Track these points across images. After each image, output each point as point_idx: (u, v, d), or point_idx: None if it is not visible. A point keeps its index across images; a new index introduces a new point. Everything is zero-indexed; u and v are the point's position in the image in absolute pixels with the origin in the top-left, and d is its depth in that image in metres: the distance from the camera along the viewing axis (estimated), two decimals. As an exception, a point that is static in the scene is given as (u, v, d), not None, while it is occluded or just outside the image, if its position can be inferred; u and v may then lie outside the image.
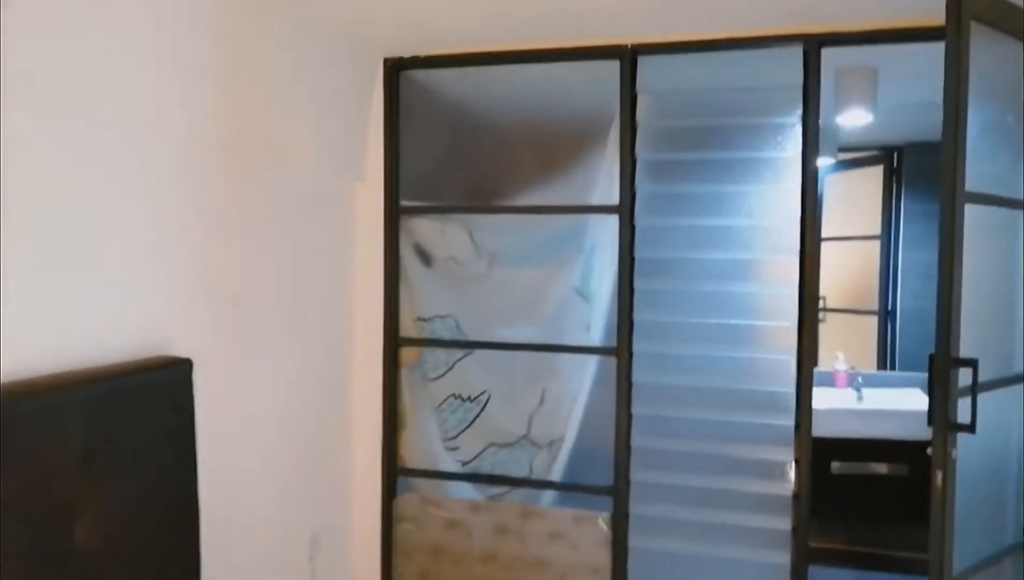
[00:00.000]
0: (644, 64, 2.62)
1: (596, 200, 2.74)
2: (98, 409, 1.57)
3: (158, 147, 1.87)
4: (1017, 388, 2.20)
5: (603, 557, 2.63)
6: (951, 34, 1.90)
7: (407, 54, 2.82)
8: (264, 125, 2.26)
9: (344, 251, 2.79)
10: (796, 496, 2.49)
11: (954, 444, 1.90)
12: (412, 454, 2.88)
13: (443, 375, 2.89)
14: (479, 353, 2.86)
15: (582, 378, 2.77)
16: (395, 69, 2.83)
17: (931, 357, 1.97)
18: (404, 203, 2.85)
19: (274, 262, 2.36)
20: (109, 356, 1.70)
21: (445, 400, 2.89)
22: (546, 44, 2.67)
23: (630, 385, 2.61)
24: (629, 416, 2.61)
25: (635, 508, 2.62)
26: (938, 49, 2.30)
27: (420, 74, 2.88)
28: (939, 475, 1.90)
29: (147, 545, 1.72)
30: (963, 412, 1.96)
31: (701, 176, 2.68)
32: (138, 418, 1.71)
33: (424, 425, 2.90)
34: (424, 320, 2.89)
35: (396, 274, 2.84)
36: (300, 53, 2.40)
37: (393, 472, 2.84)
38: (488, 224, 2.92)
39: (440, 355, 2.88)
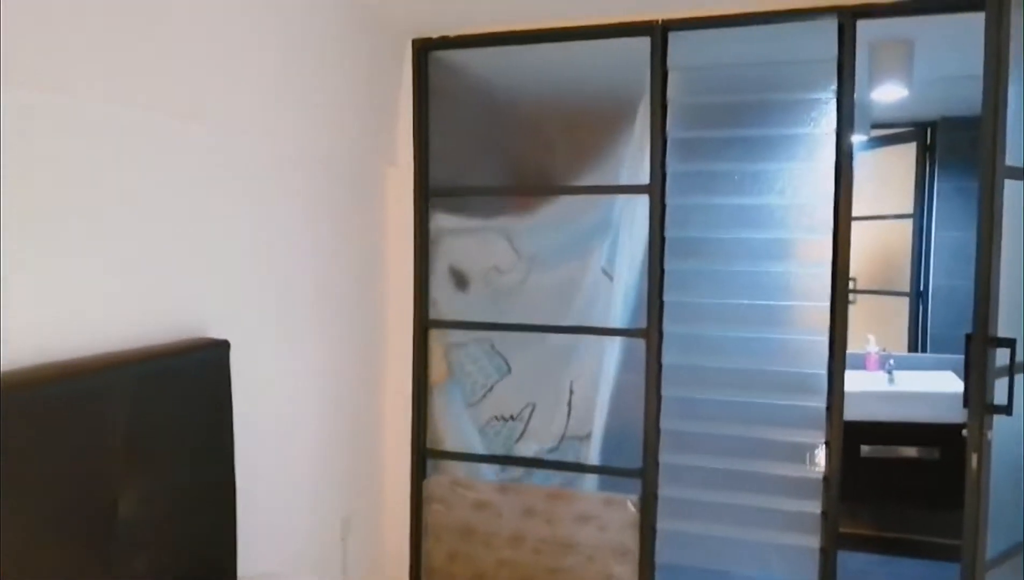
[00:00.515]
0: (675, 40, 2.58)
1: (625, 180, 2.72)
2: (139, 390, 1.59)
3: (198, 132, 1.88)
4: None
5: (631, 539, 2.63)
6: (991, 2, 1.85)
7: (435, 35, 2.80)
8: (299, 110, 2.26)
9: (376, 234, 2.79)
10: (826, 479, 2.47)
11: (990, 426, 1.87)
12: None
13: (483, 398, 2.89)
14: (516, 374, 2.85)
15: (609, 362, 2.76)
16: (424, 50, 2.82)
17: (967, 337, 1.94)
18: (435, 185, 2.84)
19: (309, 246, 2.37)
20: (150, 338, 1.72)
21: (488, 422, 2.88)
22: (575, 22, 2.64)
23: (660, 367, 2.59)
24: (659, 398, 2.60)
25: (664, 490, 2.61)
26: (977, 20, 2.25)
27: (449, 55, 2.86)
28: (975, 458, 1.87)
29: (187, 524, 1.74)
30: (1000, 394, 1.92)
31: (733, 154, 2.64)
32: (177, 399, 1.72)
33: (469, 446, 2.91)
34: (459, 346, 2.90)
35: (426, 257, 2.84)
36: (330, 35, 2.39)
37: (422, 453, 2.86)
38: (525, 228, 2.89)
39: (477, 378, 2.89)
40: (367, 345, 2.75)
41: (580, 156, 3.05)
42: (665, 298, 2.61)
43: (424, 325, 2.84)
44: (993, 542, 1.97)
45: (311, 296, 2.39)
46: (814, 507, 2.50)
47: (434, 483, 2.86)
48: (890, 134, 3.95)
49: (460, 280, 2.91)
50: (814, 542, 2.50)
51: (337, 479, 2.58)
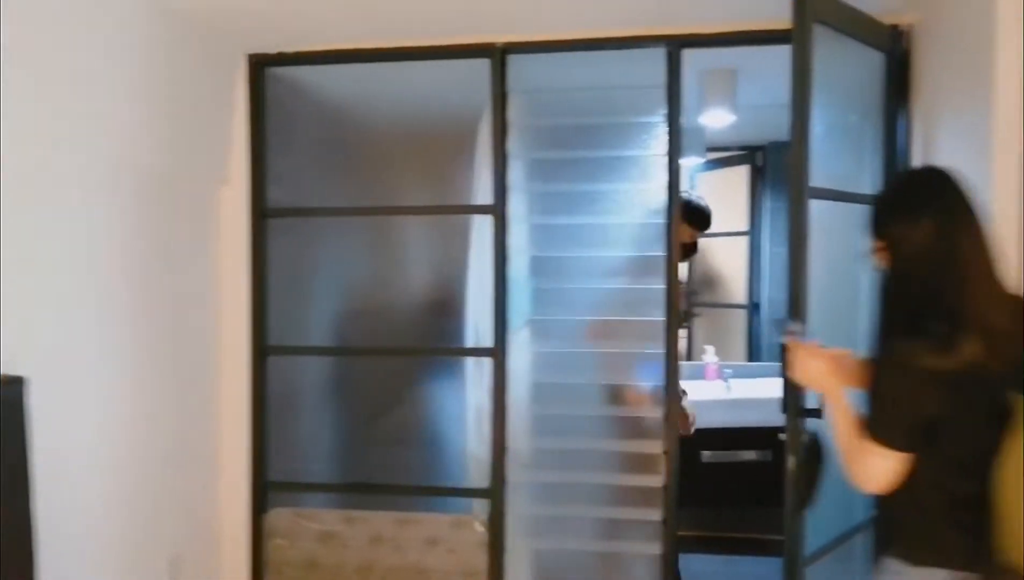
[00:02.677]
0: (514, 62, 2.61)
1: (472, 200, 2.71)
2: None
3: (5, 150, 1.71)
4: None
5: (480, 560, 2.61)
6: (796, 36, 1.98)
7: (272, 50, 2.70)
8: (115, 124, 2.10)
9: (208, 258, 2.65)
10: (665, 487, 2.55)
11: (804, 428, 1.98)
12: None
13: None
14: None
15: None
16: (259, 66, 2.71)
17: (781, 346, 2.06)
18: (272, 206, 2.73)
19: (128, 269, 2.21)
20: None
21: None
22: (416, 42, 2.62)
23: (504, 385, 2.59)
24: (504, 417, 2.60)
25: (513, 508, 2.61)
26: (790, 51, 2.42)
27: (288, 72, 2.77)
28: (791, 459, 1.97)
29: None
30: (812, 397, 2.04)
31: (574, 175, 2.71)
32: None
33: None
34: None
35: (263, 280, 2.72)
36: (155, 47, 2.25)
37: (262, 486, 2.72)
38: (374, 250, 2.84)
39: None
40: (197, 373, 2.59)
41: (426, 176, 3.03)
42: (510, 316, 2.62)
43: (263, 351, 2.71)
44: (813, 537, 2.09)
45: (130, 324, 2.22)
46: (655, 515, 2.57)
47: (275, 516, 2.72)
48: (725, 157, 4.19)
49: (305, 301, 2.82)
50: (655, 549, 2.57)
51: (163, 517, 2.40)
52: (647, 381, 2.60)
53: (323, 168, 3.02)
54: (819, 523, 2.14)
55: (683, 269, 3.13)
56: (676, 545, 2.55)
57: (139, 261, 2.26)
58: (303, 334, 2.90)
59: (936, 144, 2.20)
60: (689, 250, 2.97)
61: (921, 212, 1.39)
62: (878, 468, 1.37)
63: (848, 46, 2.20)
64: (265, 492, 2.72)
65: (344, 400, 3.00)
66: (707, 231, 2.95)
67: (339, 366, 2.97)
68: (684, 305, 3.11)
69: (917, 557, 1.40)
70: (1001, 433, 1.26)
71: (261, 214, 2.70)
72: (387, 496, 2.76)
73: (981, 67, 1.93)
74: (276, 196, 2.75)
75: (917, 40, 2.32)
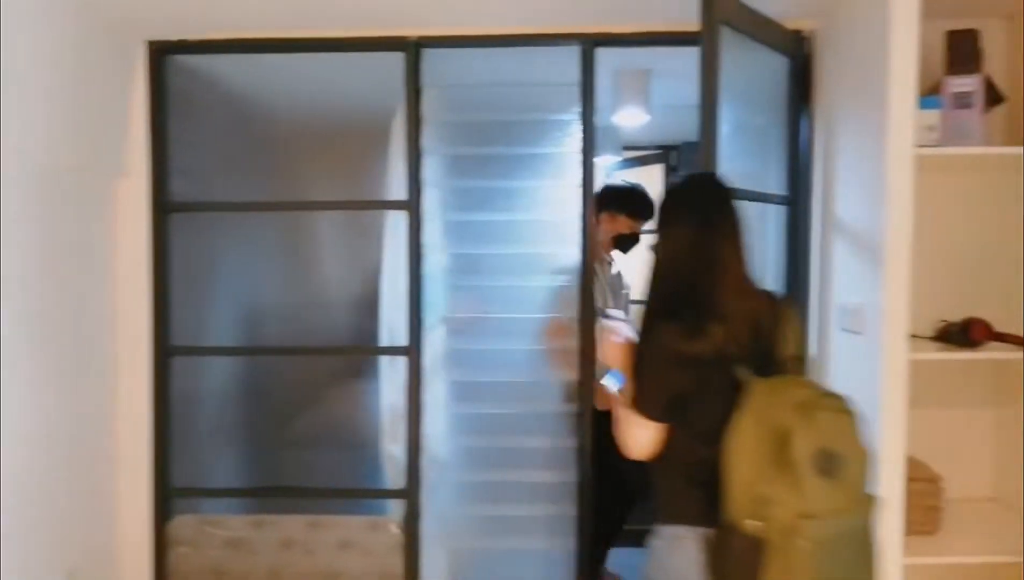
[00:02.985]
0: (429, 57, 2.58)
1: (387, 196, 2.67)
2: None
3: None
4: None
5: (396, 562, 2.56)
6: (704, 38, 2.02)
7: (173, 37, 2.58)
8: (3, 116, 1.97)
9: (106, 254, 2.51)
10: (580, 483, 2.56)
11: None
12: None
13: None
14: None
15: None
16: (160, 53, 2.59)
17: None
18: (175, 200, 2.62)
19: (23, 269, 2.06)
20: None
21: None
22: (327, 33, 2.55)
23: (420, 384, 2.56)
24: (419, 416, 2.56)
25: (429, 508, 2.58)
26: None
27: (193, 60, 2.66)
28: None
29: None
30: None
31: (491, 171, 2.70)
32: None
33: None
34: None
35: (165, 277, 2.60)
36: (44, 33, 2.11)
37: (165, 493, 2.60)
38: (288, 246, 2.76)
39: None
40: (95, 376, 2.45)
41: (339, 171, 2.98)
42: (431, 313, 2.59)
43: (166, 351, 2.59)
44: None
45: (23, 324, 2.07)
46: (570, 511, 2.58)
47: (179, 524, 2.61)
48: (641, 156, 4.26)
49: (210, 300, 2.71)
50: (570, 544, 2.58)
51: (59, 528, 2.26)
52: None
53: (232, 161, 2.92)
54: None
55: (625, 261, 3.16)
56: (592, 541, 2.57)
57: (32, 258, 2.12)
58: (210, 334, 2.80)
59: (836, 144, 2.29)
60: (628, 241, 2.98)
61: (684, 217, 1.59)
62: (640, 437, 1.56)
63: (754, 49, 2.26)
64: (168, 499, 2.60)
65: (254, 401, 2.91)
66: (648, 220, 2.95)
67: (249, 367, 2.88)
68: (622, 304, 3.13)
69: (666, 516, 1.59)
70: (733, 407, 1.43)
71: (163, 208, 2.58)
72: (299, 500, 2.69)
73: (876, 70, 2.01)
74: (181, 190, 2.63)
75: (818, 44, 2.40)
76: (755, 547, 1.39)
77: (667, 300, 1.56)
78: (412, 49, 2.54)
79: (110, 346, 2.52)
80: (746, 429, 1.41)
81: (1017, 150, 2.10)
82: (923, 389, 2.11)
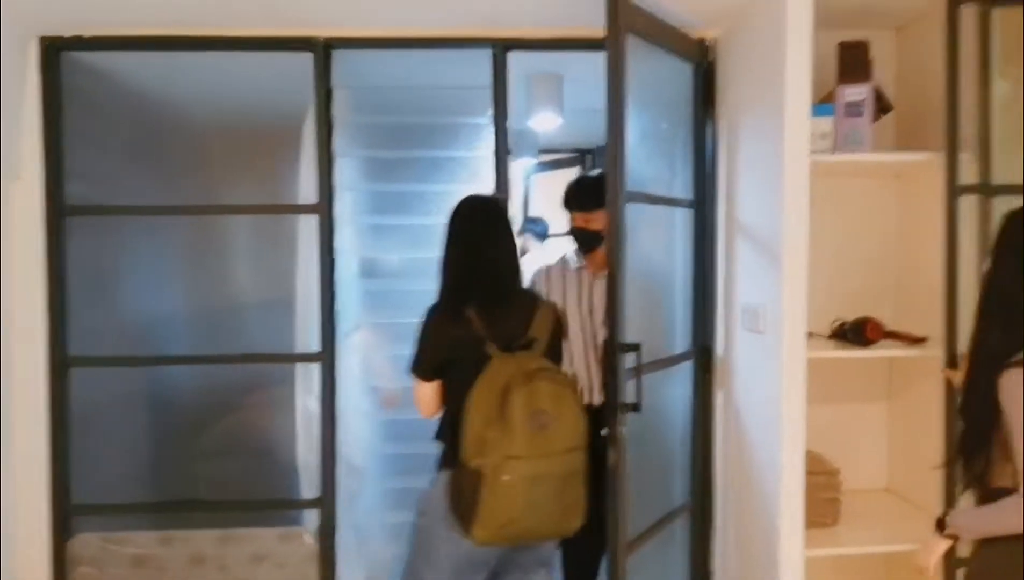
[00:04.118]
0: (339, 58, 2.54)
1: (304, 199, 2.61)
2: None
3: None
4: (676, 367, 2.46)
5: (312, 572, 2.52)
6: (610, 44, 2.05)
7: (68, 32, 2.47)
8: None
9: (-3, 260, 2.38)
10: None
11: (624, 423, 2.06)
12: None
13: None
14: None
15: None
16: (54, 50, 2.47)
17: (605, 343, 2.13)
18: (73, 203, 2.50)
19: None
20: None
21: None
22: (232, 32, 2.49)
23: (333, 391, 2.52)
24: (333, 424, 2.52)
25: (345, 517, 2.54)
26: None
27: (91, 58, 2.55)
28: (612, 454, 2.04)
29: None
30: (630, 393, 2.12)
31: (409, 175, 2.68)
32: None
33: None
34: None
35: (62, 284, 2.48)
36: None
37: (65, 511, 2.48)
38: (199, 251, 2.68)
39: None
40: (-16, 390, 2.33)
41: (249, 174, 2.90)
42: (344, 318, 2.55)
43: (63, 362, 2.48)
44: (637, 522, 2.18)
45: None
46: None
47: (80, 542, 2.49)
48: (556, 159, 4.31)
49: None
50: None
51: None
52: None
53: (137, 163, 2.81)
54: (643, 508, 2.24)
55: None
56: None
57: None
58: (113, 343, 2.69)
59: (738, 150, 2.36)
60: (589, 238, 2.57)
61: (455, 233, 2.02)
62: (418, 394, 2.01)
63: (661, 57, 2.31)
64: (68, 517, 2.48)
65: (161, 412, 2.81)
66: (598, 208, 2.42)
67: (155, 376, 2.78)
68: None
69: (439, 463, 1.97)
70: (478, 374, 1.82)
71: (59, 212, 2.47)
72: (210, 514, 2.60)
73: (773, 79, 2.09)
74: (81, 193, 2.52)
75: (721, 53, 2.47)
76: (476, 480, 1.78)
77: (443, 295, 1.99)
78: (321, 50, 2.50)
79: (3, 357, 2.39)
80: (481, 390, 1.80)
81: (904, 156, 2.22)
82: (821, 385, 2.20)
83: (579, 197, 2.61)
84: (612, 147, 2.09)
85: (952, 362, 2.14)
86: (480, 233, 2.01)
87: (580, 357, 2.61)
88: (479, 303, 1.92)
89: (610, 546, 2.11)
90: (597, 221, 2.50)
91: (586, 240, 2.59)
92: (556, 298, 2.54)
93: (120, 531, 2.52)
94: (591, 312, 2.59)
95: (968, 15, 2.14)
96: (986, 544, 1.67)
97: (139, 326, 2.76)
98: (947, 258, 2.16)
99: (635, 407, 2.07)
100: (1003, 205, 1.98)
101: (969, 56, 2.14)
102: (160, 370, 2.74)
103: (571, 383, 1.90)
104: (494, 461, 1.77)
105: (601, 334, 2.50)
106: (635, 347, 2.06)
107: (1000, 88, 2.15)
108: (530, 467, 1.77)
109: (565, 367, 2.40)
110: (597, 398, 2.54)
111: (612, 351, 2.06)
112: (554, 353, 2.02)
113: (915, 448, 2.42)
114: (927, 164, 2.22)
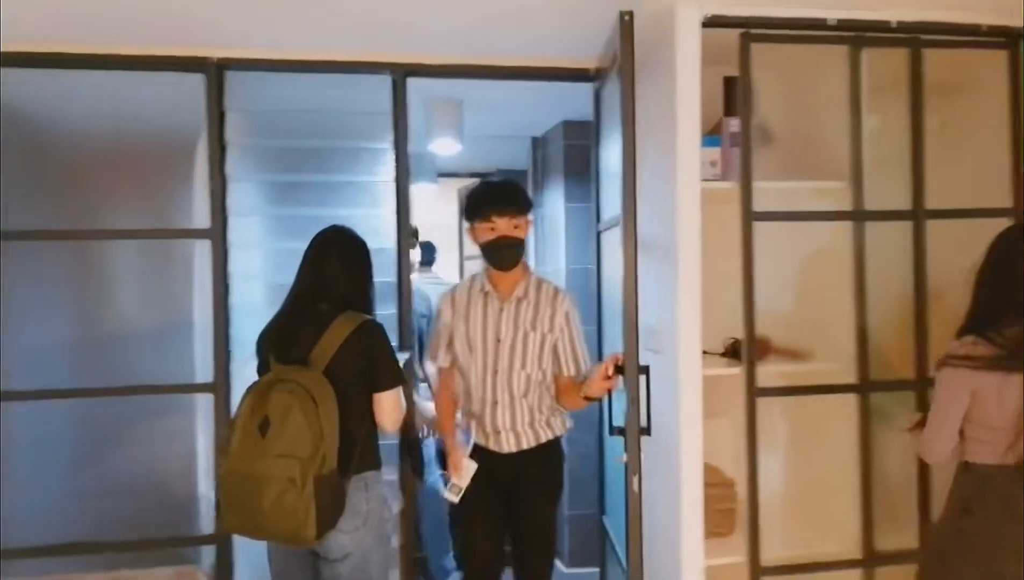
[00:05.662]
0: (232, 80, 2.48)
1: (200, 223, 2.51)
2: None
3: None
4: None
5: (207, 612, 2.41)
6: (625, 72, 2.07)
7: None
8: None
9: None
10: (403, 512, 2.53)
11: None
12: None
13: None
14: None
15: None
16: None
17: (617, 368, 2.07)
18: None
19: None
20: None
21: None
22: (122, 50, 2.39)
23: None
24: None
25: (243, 553, 2.44)
26: (518, 87, 2.54)
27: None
28: (635, 480, 1.99)
29: None
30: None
31: (313, 199, 2.62)
32: None
33: None
34: None
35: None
36: None
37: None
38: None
39: None
40: None
41: (140, 197, 2.78)
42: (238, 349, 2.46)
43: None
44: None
45: None
46: (396, 539, 2.54)
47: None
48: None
49: None
50: (394, 576, 2.53)
51: None
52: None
53: (19, 186, 2.63)
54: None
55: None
56: (415, 569, 2.53)
57: None
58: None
59: (643, 177, 2.42)
60: (513, 249, 2.30)
61: (305, 258, 2.13)
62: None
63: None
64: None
65: (45, 449, 2.62)
66: (515, 208, 2.28)
67: (37, 411, 2.59)
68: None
69: None
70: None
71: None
72: (99, 556, 2.44)
73: (667, 110, 2.18)
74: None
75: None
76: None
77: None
78: (213, 71, 2.44)
79: None
80: (246, 398, 1.93)
81: (782, 185, 2.34)
82: (716, 400, 2.28)
83: (504, 199, 2.28)
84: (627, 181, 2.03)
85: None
86: (308, 257, 2.13)
87: (478, 387, 2.36)
88: (279, 320, 2.08)
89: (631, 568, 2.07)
90: (524, 227, 2.29)
91: (510, 252, 2.29)
92: (459, 324, 2.36)
93: (6, 577, 2.34)
94: (498, 341, 2.33)
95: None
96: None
97: (21, 357, 2.56)
98: (744, 277, 2.23)
99: (646, 431, 2.01)
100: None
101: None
102: (45, 404, 2.55)
103: (309, 398, 1.90)
104: (225, 458, 1.94)
105: (516, 367, 2.32)
106: (644, 369, 2.00)
107: (868, 123, 2.31)
108: (237, 466, 1.89)
109: (461, 400, 2.41)
110: (510, 441, 2.35)
111: (631, 374, 1.99)
112: (354, 370, 2.01)
113: (807, 457, 2.53)
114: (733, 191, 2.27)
